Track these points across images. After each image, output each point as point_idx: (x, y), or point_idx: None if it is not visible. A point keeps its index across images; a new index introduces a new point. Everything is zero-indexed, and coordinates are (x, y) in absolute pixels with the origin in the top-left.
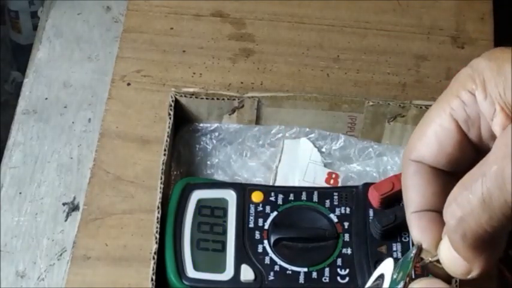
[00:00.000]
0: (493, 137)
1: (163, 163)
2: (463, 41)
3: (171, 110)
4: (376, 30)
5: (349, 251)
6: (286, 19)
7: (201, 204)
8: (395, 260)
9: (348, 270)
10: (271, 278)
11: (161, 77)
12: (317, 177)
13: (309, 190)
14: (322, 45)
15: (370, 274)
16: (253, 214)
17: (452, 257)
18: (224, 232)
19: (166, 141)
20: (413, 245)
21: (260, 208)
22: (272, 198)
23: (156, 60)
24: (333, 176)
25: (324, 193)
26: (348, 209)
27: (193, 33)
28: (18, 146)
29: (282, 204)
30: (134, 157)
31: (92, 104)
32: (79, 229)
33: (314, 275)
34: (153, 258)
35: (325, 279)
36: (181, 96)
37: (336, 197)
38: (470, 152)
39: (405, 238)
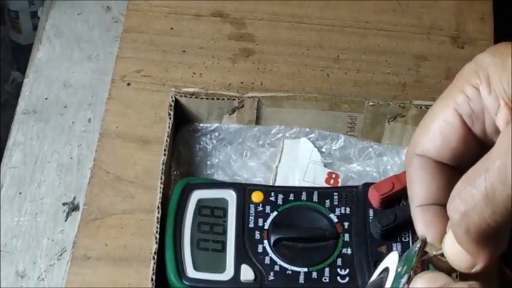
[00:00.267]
0: (497, 131)
1: (163, 163)
2: (463, 41)
3: (171, 110)
4: (376, 30)
5: (349, 251)
6: (286, 19)
7: (201, 204)
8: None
9: (348, 270)
10: (271, 278)
11: (161, 77)
12: (317, 177)
13: (309, 190)
14: (322, 45)
15: (370, 274)
16: (253, 214)
17: (456, 251)
18: (224, 232)
19: (166, 141)
20: (415, 241)
21: (260, 208)
22: (272, 198)
23: (156, 60)
24: (333, 176)
25: (324, 193)
26: (348, 209)
27: (193, 33)
28: (18, 146)
29: (282, 204)
30: (134, 157)
31: (92, 104)
32: (79, 229)
33: (314, 275)
34: (153, 258)
35: (325, 279)
36: (181, 96)
37: (336, 197)
38: (474, 146)
39: (405, 238)
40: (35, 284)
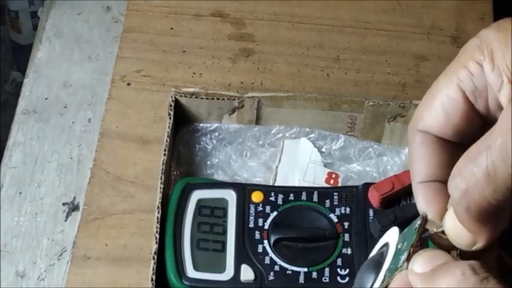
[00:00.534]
0: (500, 108)
1: (163, 163)
2: (463, 41)
3: (171, 110)
4: (376, 30)
5: (349, 251)
6: (286, 19)
7: (201, 204)
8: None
9: (348, 270)
10: (271, 278)
11: (161, 77)
12: (317, 177)
13: (309, 190)
14: (322, 45)
15: None
16: (253, 214)
17: (457, 229)
18: (224, 232)
19: (166, 141)
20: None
21: (260, 208)
22: (272, 198)
23: (156, 60)
24: (333, 176)
25: (324, 193)
26: (348, 209)
27: (193, 33)
28: (18, 146)
29: (282, 204)
30: (134, 157)
31: (92, 104)
32: (79, 229)
33: (314, 275)
34: (153, 258)
35: (325, 279)
36: (181, 96)
37: (336, 197)
38: (477, 122)
39: None
40: (35, 284)
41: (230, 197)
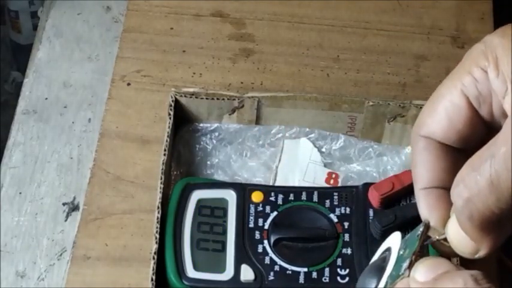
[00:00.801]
0: (505, 115)
1: (163, 163)
2: (463, 41)
3: (171, 110)
4: (376, 30)
5: (349, 251)
6: (286, 19)
7: (201, 204)
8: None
9: (348, 270)
10: (271, 278)
11: (161, 77)
12: (317, 177)
13: (309, 190)
14: (322, 45)
15: None
16: (253, 214)
17: (460, 236)
18: (224, 232)
19: (167, 141)
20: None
21: (260, 208)
22: (272, 198)
23: (156, 60)
24: (333, 176)
25: (324, 193)
26: (348, 209)
27: (193, 33)
28: (18, 146)
29: (282, 204)
30: (134, 157)
31: (92, 104)
32: (79, 229)
33: (314, 275)
34: (153, 258)
35: (325, 279)
36: (181, 96)
37: (336, 197)
38: (480, 129)
39: None
40: (35, 284)
41: (230, 197)
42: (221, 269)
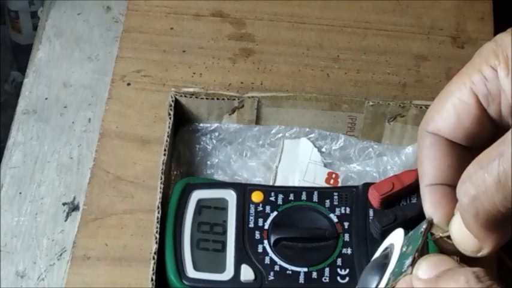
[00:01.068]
0: None
1: (163, 163)
2: (463, 41)
3: (171, 110)
4: (376, 30)
5: (349, 251)
6: (286, 19)
7: (201, 204)
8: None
9: (348, 270)
10: (271, 278)
11: (161, 77)
12: (317, 177)
13: (309, 190)
14: (322, 45)
15: None
16: (253, 214)
17: (463, 234)
18: (224, 232)
19: (166, 141)
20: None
21: (260, 208)
22: (272, 198)
23: (156, 60)
24: (333, 176)
25: (324, 193)
26: (347, 209)
27: (193, 33)
28: (18, 146)
29: (282, 204)
30: (134, 157)
31: (92, 104)
32: (79, 229)
33: (314, 275)
34: (153, 258)
35: (325, 279)
36: (181, 96)
37: (336, 197)
38: (488, 127)
39: None
40: (35, 284)
41: (230, 197)
42: (221, 269)
